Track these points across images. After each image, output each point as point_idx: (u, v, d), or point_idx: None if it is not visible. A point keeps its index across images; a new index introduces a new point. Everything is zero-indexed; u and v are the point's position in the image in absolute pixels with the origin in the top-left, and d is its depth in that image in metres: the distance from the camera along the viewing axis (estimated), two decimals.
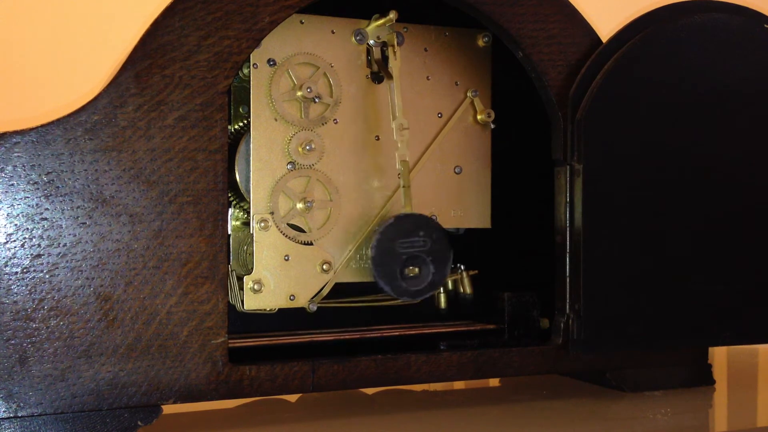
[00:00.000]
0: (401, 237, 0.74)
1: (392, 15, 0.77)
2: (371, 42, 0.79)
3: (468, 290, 0.86)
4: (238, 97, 0.79)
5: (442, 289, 0.87)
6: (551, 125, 0.79)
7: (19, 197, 0.63)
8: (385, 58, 0.79)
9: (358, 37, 0.79)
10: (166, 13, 0.66)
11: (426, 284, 0.75)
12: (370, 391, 0.83)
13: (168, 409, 0.68)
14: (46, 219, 0.63)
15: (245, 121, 0.78)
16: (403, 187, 0.77)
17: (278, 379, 0.70)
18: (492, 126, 0.84)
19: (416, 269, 0.75)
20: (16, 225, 0.63)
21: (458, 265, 0.86)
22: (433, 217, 0.82)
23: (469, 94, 0.83)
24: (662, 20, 0.79)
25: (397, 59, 0.78)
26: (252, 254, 0.75)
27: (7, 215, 0.62)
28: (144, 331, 0.65)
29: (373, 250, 0.74)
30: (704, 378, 0.84)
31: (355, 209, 0.79)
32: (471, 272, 0.86)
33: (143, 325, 0.65)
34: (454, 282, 0.87)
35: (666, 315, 0.78)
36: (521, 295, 0.82)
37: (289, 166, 0.76)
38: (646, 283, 0.77)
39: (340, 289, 0.78)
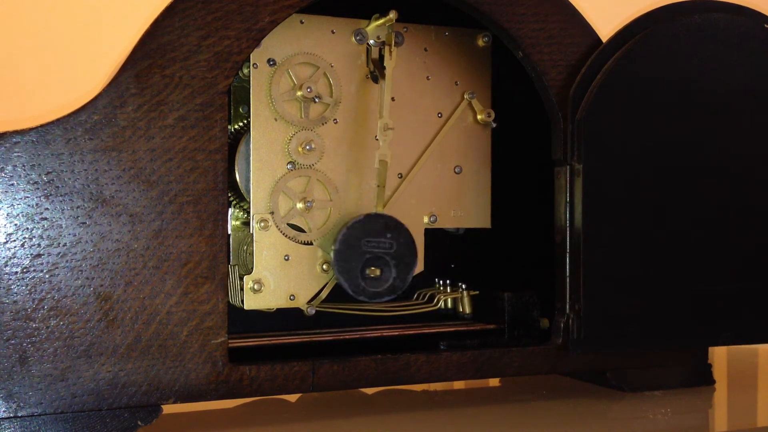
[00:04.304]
0: (368, 236, 0.74)
1: (392, 15, 0.77)
2: (371, 42, 0.79)
3: (468, 310, 0.86)
4: (238, 97, 0.79)
5: (442, 303, 0.87)
6: (551, 125, 0.79)
7: (19, 197, 0.63)
8: (381, 58, 0.79)
9: (358, 37, 0.79)
10: (166, 13, 0.66)
11: (385, 287, 0.75)
12: (370, 391, 0.83)
13: (168, 409, 0.68)
14: (46, 219, 0.63)
15: (245, 121, 0.78)
16: (378, 186, 0.77)
17: (278, 379, 0.70)
18: (493, 125, 0.84)
19: (378, 270, 0.75)
20: (16, 225, 0.63)
21: (459, 284, 0.86)
22: (433, 218, 0.82)
23: (466, 96, 0.83)
24: (662, 20, 0.79)
25: (392, 59, 0.78)
26: (252, 254, 0.75)
27: (7, 215, 0.62)
28: (144, 331, 0.65)
29: (337, 243, 0.74)
30: (704, 378, 0.84)
31: (355, 209, 0.79)
32: (472, 292, 0.86)
33: (143, 325, 0.65)
34: (454, 300, 0.86)
35: (666, 315, 0.78)
36: (521, 295, 0.82)
37: (289, 166, 0.76)
38: (646, 283, 0.77)
39: (340, 290, 0.78)
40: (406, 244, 0.75)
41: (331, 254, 0.74)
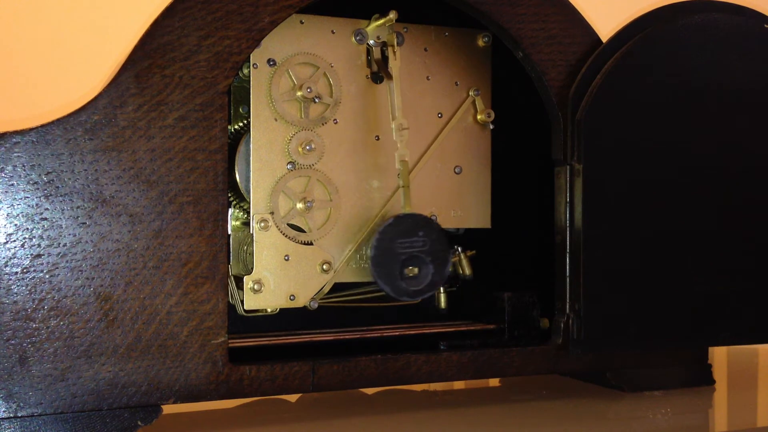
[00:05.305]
0: (400, 237, 0.75)
1: (392, 15, 0.77)
2: (371, 42, 0.79)
3: (467, 271, 0.85)
4: (238, 97, 0.79)
5: (441, 288, 0.87)
6: (551, 125, 0.79)
7: (19, 197, 0.63)
8: (385, 58, 0.79)
9: (358, 37, 0.79)
10: (166, 13, 0.66)
11: (425, 284, 0.76)
12: (370, 391, 0.83)
13: (168, 409, 0.68)
14: (46, 219, 0.63)
15: (245, 121, 0.78)
16: (403, 187, 0.77)
17: (278, 379, 0.70)
18: (491, 126, 0.84)
19: (415, 269, 0.75)
20: (16, 225, 0.63)
21: (455, 246, 0.86)
22: (433, 217, 0.82)
23: (471, 93, 0.83)
24: (662, 20, 0.79)
25: (397, 59, 0.78)
26: (252, 254, 0.75)
27: (7, 215, 0.62)
28: (144, 331, 0.65)
29: (372, 250, 0.74)
30: (704, 378, 0.84)
31: (354, 209, 0.79)
32: (469, 252, 0.86)
33: (143, 325, 0.65)
34: (453, 264, 0.86)
35: (666, 315, 0.78)
36: (521, 295, 0.82)
37: (289, 166, 0.76)
38: (646, 283, 0.77)
39: (340, 289, 0.78)
40: (439, 239, 0.75)
41: (368, 262, 0.74)
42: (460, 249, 0.86)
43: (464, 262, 0.86)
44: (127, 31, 0.83)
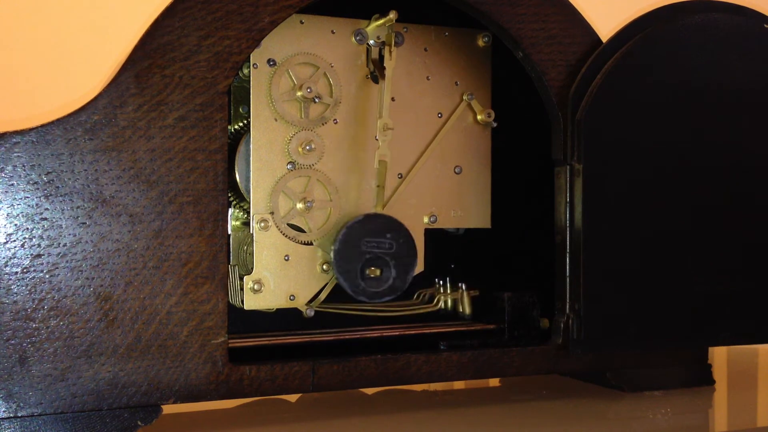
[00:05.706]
0: (368, 236, 0.74)
1: (392, 15, 0.77)
2: (371, 42, 0.79)
3: (467, 310, 0.85)
4: (238, 97, 0.79)
5: (442, 303, 0.87)
6: (551, 125, 0.79)
7: (19, 197, 0.63)
8: (381, 58, 0.79)
9: (358, 37, 0.79)
10: (166, 13, 0.66)
11: (385, 288, 0.75)
12: (370, 391, 0.83)
13: (168, 409, 0.68)
14: (46, 219, 0.63)
15: (245, 121, 0.78)
16: (377, 186, 0.77)
17: (278, 379, 0.70)
18: (494, 125, 0.84)
19: (378, 270, 0.75)
20: (16, 225, 0.63)
21: (459, 284, 0.86)
22: (433, 218, 0.82)
23: (465, 97, 0.83)
24: (662, 20, 0.79)
25: (392, 59, 0.78)
26: (252, 254, 0.75)
27: (7, 215, 0.62)
28: (144, 331, 0.65)
29: (337, 243, 0.74)
30: (704, 378, 0.84)
31: (355, 209, 0.79)
32: (472, 292, 0.86)
33: (143, 325, 0.65)
34: (454, 300, 0.86)
35: (666, 315, 0.78)
36: (521, 295, 0.82)
37: (289, 166, 0.76)
38: (646, 283, 0.77)
39: (340, 290, 0.78)
40: (406, 244, 0.75)
41: (331, 254, 0.74)
42: (464, 286, 0.86)
43: (466, 301, 0.86)
44: (127, 31, 0.83)
